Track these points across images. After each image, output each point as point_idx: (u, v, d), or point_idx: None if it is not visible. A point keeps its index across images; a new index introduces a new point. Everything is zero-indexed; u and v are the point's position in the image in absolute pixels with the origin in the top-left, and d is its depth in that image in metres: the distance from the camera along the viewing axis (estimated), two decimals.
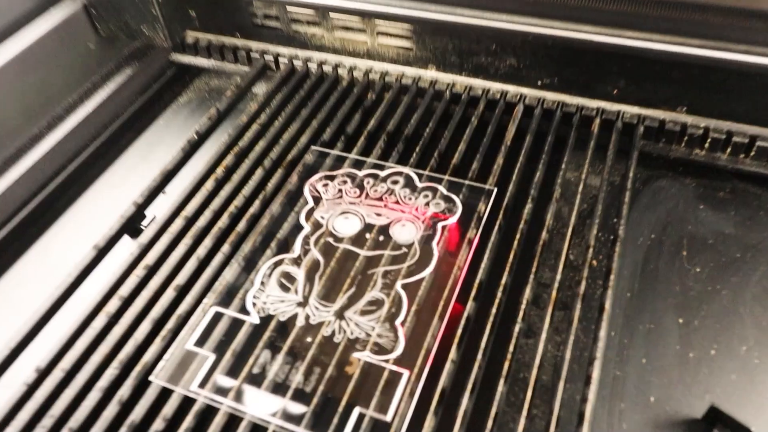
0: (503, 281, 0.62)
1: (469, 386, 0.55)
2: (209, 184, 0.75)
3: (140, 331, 0.61)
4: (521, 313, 0.59)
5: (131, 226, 0.74)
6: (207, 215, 0.71)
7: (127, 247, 0.72)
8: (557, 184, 0.71)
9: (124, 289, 0.65)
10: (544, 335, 0.58)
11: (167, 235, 0.70)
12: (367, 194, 0.70)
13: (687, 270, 0.69)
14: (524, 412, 0.54)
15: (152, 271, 0.67)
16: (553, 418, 0.52)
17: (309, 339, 0.59)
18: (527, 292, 0.61)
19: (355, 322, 0.59)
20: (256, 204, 0.72)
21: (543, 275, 0.66)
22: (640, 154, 0.73)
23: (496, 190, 0.70)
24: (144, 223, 0.76)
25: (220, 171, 0.76)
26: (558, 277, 0.62)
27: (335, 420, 0.53)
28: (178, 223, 0.71)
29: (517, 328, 0.58)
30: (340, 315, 0.60)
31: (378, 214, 0.68)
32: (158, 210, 0.76)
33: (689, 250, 0.71)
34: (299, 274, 0.64)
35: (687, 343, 0.63)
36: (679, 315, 0.65)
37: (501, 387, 0.55)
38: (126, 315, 0.63)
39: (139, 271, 0.66)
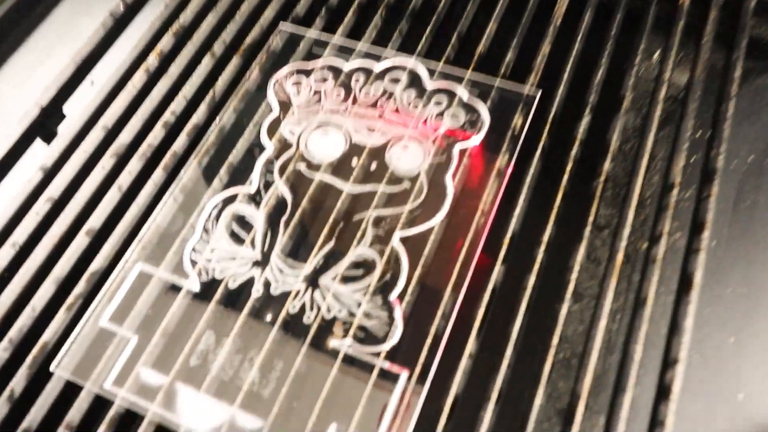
0: (546, 235, 0.43)
1: (494, 394, 0.38)
2: (138, 79, 0.54)
3: (39, 297, 0.44)
4: (571, 284, 0.42)
5: (36, 131, 0.54)
6: (133, 125, 0.51)
7: (29, 168, 0.52)
8: (628, 84, 0.49)
9: (19, 234, 0.47)
10: (604, 320, 0.40)
11: (79, 154, 0.50)
12: (355, 98, 0.49)
13: None
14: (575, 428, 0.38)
15: (57, 206, 0.48)
16: None
17: (269, 317, 0.42)
18: (581, 252, 0.43)
19: (333, 293, 0.42)
20: (202, 109, 0.52)
21: (603, 224, 0.47)
22: (750, 40, 0.51)
23: (539, 93, 0.49)
24: (60, 127, 0.56)
25: (152, 59, 0.55)
26: (626, 228, 0.43)
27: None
28: (93, 137, 0.51)
29: (564, 308, 0.41)
30: (312, 282, 0.42)
31: (370, 129, 0.48)
32: (74, 112, 0.56)
33: None
34: (258, 217, 0.45)
35: None
36: None
37: (539, 396, 0.38)
38: (20, 272, 0.45)
39: (40, 207, 0.48)
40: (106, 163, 0.50)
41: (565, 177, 0.45)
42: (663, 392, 0.38)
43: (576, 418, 0.37)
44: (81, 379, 0.41)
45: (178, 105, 0.52)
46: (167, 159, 0.49)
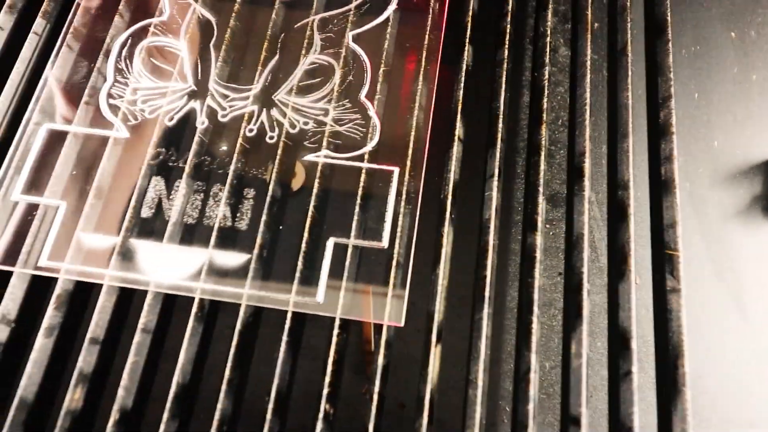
0: (509, 4, 0.39)
1: (495, 168, 0.35)
2: None
3: None
4: (547, 49, 0.38)
5: None
6: None
7: None
8: None
9: None
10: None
11: None
12: None
13: None
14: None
15: None
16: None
17: (224, 146, 0.35)
18: (548, 22, 0.39)
19: (293, 106, 0.36)
20: None
21: None
22: None
23: None
24: None
25: None
26: None
27: (300, 258, 0.32)
28: None
29: (546, 72, 0.38)
30: (265, 101, 0.36)
31: None
32: None
33: None
34: (181, 46, 0.38)
35: (746, 63, 0.46)
36: (730, 27, 0.47)
37: (542, 163, 0.35)
38: None
39: None
40: None
41: None
42: (662, 131, 0.36)
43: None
44: (8, 263, 0.33)
45: None
46: (46, 4, 0.40)
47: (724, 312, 0.39)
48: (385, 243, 0.32)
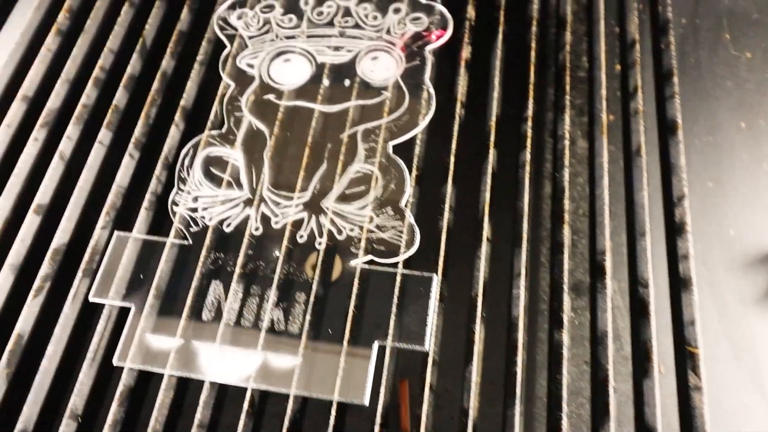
0: (528, 111, 0.43)
1: (521, 267, 0.38)
2: (51, 41, 0.48)
3: None
4: (566, 151, 0.42)
5: None
6: (59, 90, 0.45)
7: None
8: None
9: None
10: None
11: (3, 129, 0.44)
12: (309, 20, 0.46)
13: (736, 58, 0.53)
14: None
15: None
16: None
17: (276, 252, 0.39)
18: (566, 123, 0.43)
19: (339, 213, 0.39)
20: (134, 59, 0.47)
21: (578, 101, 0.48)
22: None
23: None
24: None
25: (62, 18, 0.49)
26: (603, 88, 0.44)
27: (342, 362, 0.35)
28: (15, 109, 0.45)
29: (566, 173, 0.41)
30: (313, 207, 0.40)
31: (335, 48, 0.45)
32: None
33: (732, 32, 0.54)
34: (237, 156, 0.42)
35: (757, 152, 0.49)
36: (740, 117, 0.50)
37: (566, 261, 0.38)
38: None
39: None
40: (38, 134, 0.44)
41: (533, 55, 0.45)
42: (678, 230, 0.39)
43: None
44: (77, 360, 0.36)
45: (105, 60, 0.47)
46: (109, 116, 0.44)
47: (747, 396, 0.41)
48: (427, 347, 0.35)
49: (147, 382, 0.37)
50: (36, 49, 0.47)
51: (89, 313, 0.39)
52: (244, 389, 0.35)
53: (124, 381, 0.36)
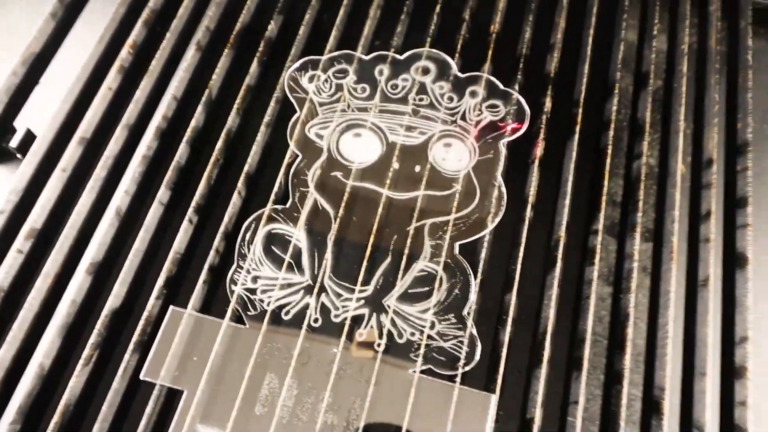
0: (601, 221, 0.42)
1: (579, 396, 0.38)
2: (112, 78, 0.46)
3: (44, 352, 0.37)
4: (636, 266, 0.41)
5: None
6: (119, 135, 0.44)
7: None
8: (650, 59, 0.49)
9: (0, 279, 0.39)
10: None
11: (58, 174, 0.42)
12: (383, 93, 0.45)
13: None
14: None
15: (42, 242, 0.40)
16: None
17: (333, 348, 0.38)
18: (636, 243, 0.42)
19: (401, 314, 0.38)
20: (199, 111, 0.45)
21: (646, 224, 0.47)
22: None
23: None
24: (13, 142, 0.47)
25: (125, 54, 0.47)
26: (676, 209, 0.43)
27: None
28: (71, 151, 0.43)
29: (631, 299, 0.40)
30: (375, 304, 0.39)
31: (408, 128, 0.44)
32: (33, 118, 0.47)
33: None
34: (301, 237, 0.40)
35: None
36: None
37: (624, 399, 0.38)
38: (15, 325, 0.38)
39: (21, 243, 0.40)
40: (95, 184, 0.42)
41: (608, 161, 0.44)
42: (737, 373, 0.39)
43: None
44: None
45: (168, 107, 0.45)
46: (170, 174, 0.43)
47: None
48: None
49: None
50: (96, 85, 0.45)
51: (136, 388, 0.38)
52: None
53: None
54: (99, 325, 0.38)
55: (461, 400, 0.36)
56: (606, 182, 0.44)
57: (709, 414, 0.38)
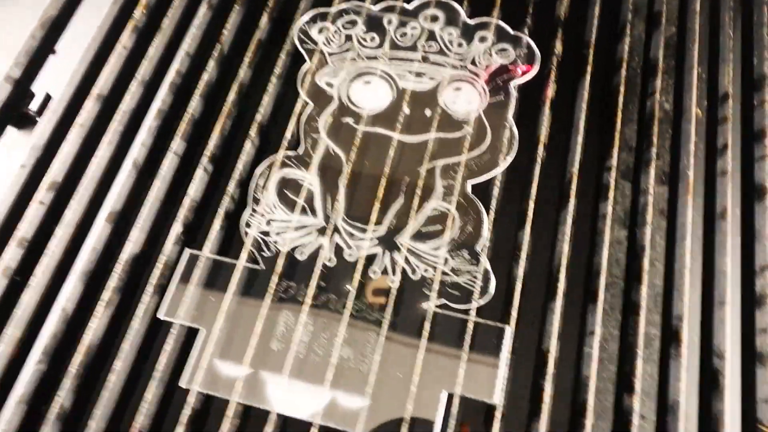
0: (614, 160, 0.42)
1: (596, 325, 0.37)
2: (126, 38, 0.47)
3: (66, 297, 0.38)
4: (649, 205, 0.41)
5: (10, 112, 0.46)
6: (134, 91, 0.45)
7: (11, 153, 0.45)
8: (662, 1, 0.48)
9: (24, 229, 0.40)
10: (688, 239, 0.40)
11: (77, 129, 0.43)
12: (392, 41, 0.45)
13: None
14: None
15: (63, 194, 0.41)
16: None
17: (347, 285, 0.38)
18: (651, 176, 0.41)
19: (414, 251, 0.39)
20: (211, 66, 0.46)
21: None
22: None
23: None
24: (32, 106, 0.48)
25: (139, 14, 0.48)
26: (691, 143, 0.42)
27: (409, 409, 0.35)
28: (89, 108, 0.44)
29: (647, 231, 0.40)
30: (388, 243, 0.39)
31: (417, 74, 0.44)
32: (50, 85, 0.48)
33: None
34: (312, 180, 0.41)
35: None
36: None
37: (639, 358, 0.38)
38: (36, 272, 0.39)
39: (42, 196, 0.41)
40: (112, 137, 0.43)
41: (620, 99, 0.44)
42: (758, 301, 0.38)
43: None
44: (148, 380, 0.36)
45: (182, 63, 0.46)
46: (185, 125, 0.43)
47: None
48: (496, 401, 0.35)
49: (208, 406, 0.37)
50: (111, 45, 0.46)
51: (156, 328, 0.39)
52: (307, 423, 0.35)
53: (191, 404, 0.36)
54: (119, 269, 0.39)
55: (476, 332, 0.37)
56: (619, 123, 0.43)
57: (729, 343, 0.37)
